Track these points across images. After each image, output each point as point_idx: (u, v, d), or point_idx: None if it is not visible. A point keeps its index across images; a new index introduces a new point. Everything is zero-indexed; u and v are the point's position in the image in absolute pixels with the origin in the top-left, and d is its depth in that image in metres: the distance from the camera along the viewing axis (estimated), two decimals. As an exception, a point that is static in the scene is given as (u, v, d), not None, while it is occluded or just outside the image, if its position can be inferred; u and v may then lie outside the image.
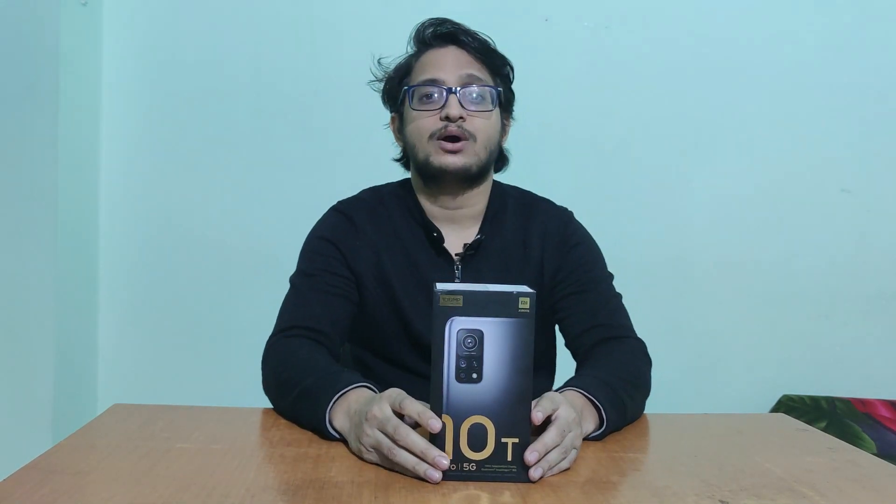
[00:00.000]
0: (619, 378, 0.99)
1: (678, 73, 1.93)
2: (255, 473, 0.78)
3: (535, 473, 0.76)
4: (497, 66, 1.16)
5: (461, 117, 1.09)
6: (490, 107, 1.12)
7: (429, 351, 0.79)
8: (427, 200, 1.16)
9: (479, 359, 0.76)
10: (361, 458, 0.83)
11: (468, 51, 1.14)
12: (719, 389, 1.97)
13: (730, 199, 1.96)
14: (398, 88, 1.17)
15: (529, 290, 0.76)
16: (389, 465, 0.79)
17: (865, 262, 1.99)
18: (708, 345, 1.97)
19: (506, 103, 1.18)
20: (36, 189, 1.71)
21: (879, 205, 1.98)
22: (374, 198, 1.21)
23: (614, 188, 1.92)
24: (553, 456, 0.78)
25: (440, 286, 0.77)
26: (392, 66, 1.21)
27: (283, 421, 0.96)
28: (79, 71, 1.78)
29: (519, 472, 0.76)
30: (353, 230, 1.16)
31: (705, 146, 1.95)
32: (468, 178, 1.12)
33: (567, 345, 1.17)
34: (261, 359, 1.07)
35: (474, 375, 0.76)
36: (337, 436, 0.88)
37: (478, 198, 1.16)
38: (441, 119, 1.09)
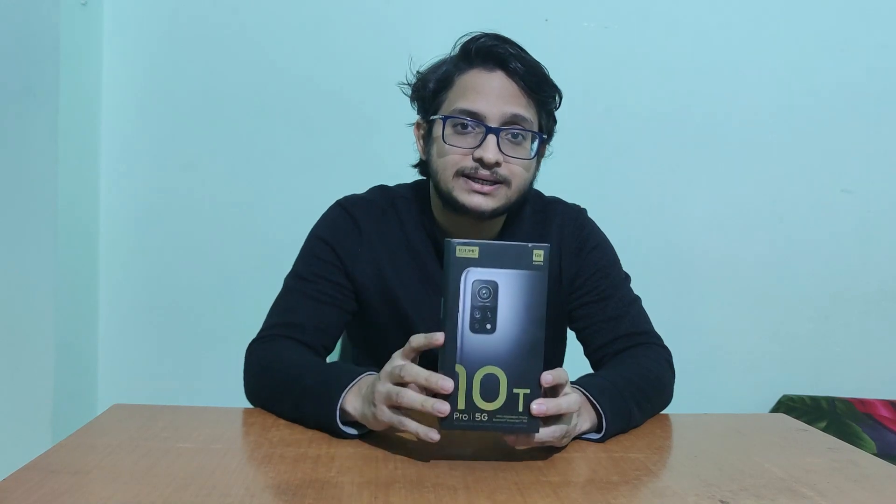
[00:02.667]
0: (633, 385, 0.97)
1: (678, 74, 1.93)
2: (255, 473, 0.78)
3: (543, 431, 0.79)
4: (546, 100, 1.07)
5: (497, 163, 1.01)
6: (529, 154, 1.04)
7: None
8: (443, 217, 1.12)
9: (494, 310, 0.77)
10: (376, 426, 0.84)
11: (516, 81, 1.03)
12: (719, 389, 1.97)
13: (730, 199, 1.96)
14: (432, 100, 1.08)
15: (543, 244, 0.78)
16: (399, 422, 0.81)
17: (865, 262, 1.99)
18: (708, 345, 1.97)
19: (547, 137, 1.11)
20: (36, 189, 1.71)
21: (879, 205, 1.98)
22: (384, 200, 1.15)
23: (614, 188, 1.92)
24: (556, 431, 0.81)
25: (455, 240, 0.78)
26: (427, 67, 1.11)
27: (282, 421, 0.96)
28: (79, 71, 1.78)
29: (529, 423, 0.78)
30: (356, 234, 1.12)
31: (705, 146, 1.95)
32: (493, 217, 1.06)
33: (587, 354, 1.14)
34: (243, 364, 1.06)
35: (488, 326, 0.77)
36: (346, 431, 0.88)
37: (499, 220, 1.12)
38: (474, 159, 1.02)
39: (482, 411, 0.77)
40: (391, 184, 1.21)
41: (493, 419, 0.77)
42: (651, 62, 1.92)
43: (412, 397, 0.79)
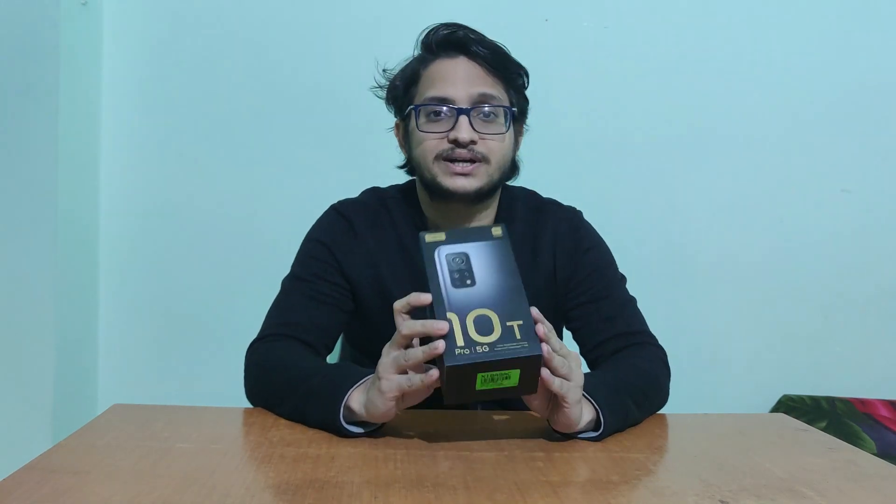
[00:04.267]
0: (630, 383, 0.98)
1: (678, 73, 1.93)
2: (255, 473, 0.78)
3: (546, 346, 0.80)
4: (511, 78, 1.09)
5: (472, 141, 1.03)
6: (503, 129, 1.07)
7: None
8: (433, 211, 1.13)
9: (470, 270, 0.85)
10: (380, 407, 0.85)
11: (480, 63, 1.06)
12: (719, 389, 1.97)
13: (730, 199, 1.96)
14: (403, 98, 1.11)
15: (500, 223, 0.89)
16: (408, 383, 0.82)
17: (865, 262, 1.99)
18: (708, 344, 1.97)
19: (520, 115, 1.12)
20: (36, 189, 1.71)
21: (879, 205, 1.98)
22: (376, 201, 1.17)
23: (614, 188, 1.92)
24: (558, 359, 0.83)
25: (423, 232, 0.88)
26: (396, 69, 1.14)
27: (283, 421, 0.96)
28: (79, 71, 1.78)
29: (531, 346, 0.80)
30: (351, 235, 1.13)
31: (705, 146, 1.95)
32: (479, 198, 1.08)
33: (583, 354, 1.14)
34: (243, 364, 1.06)
35: (468, 281, 0.84)
36: (349, 429, 0.88)
37: (488, 210, 1.13)
38: (449, 141, 1.04)
39: (482, 344, 0.80)
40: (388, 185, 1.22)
41: (495, 349, 0.79)
42: (650, 62, 1.92)
43: (415, 352, 0.82)
